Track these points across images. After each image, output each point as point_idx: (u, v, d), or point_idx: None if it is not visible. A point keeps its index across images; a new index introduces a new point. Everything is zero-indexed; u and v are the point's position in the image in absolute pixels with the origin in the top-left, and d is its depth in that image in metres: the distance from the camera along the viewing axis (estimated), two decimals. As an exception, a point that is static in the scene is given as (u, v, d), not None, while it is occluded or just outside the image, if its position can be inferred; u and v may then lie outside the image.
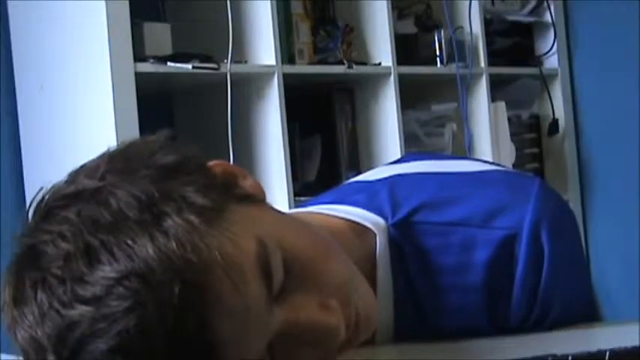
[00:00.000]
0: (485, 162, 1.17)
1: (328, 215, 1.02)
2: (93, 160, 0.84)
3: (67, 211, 0.79)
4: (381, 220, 1.01)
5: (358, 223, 1.01)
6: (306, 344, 0.84)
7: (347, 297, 0.87)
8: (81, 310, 0.75)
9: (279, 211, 0.91)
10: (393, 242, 1.01)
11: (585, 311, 1.06)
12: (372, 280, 0.98)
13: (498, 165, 1.17)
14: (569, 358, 0.81)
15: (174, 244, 0.76)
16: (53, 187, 0.82)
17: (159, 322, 0.74)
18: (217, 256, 0.77)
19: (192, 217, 0.78)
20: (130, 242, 0.76)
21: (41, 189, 0.82)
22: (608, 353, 0.81)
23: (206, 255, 0.77)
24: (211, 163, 0.88)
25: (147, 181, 0.80)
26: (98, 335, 0.74)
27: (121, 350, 0.74)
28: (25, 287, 0.78)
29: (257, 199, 0.88)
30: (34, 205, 0.82)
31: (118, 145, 0.86)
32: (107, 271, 0.75)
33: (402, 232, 1.01)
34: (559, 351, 0.83)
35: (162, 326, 0.74)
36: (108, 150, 0.85)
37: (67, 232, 0.77)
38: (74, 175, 0.83)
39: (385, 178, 1.08)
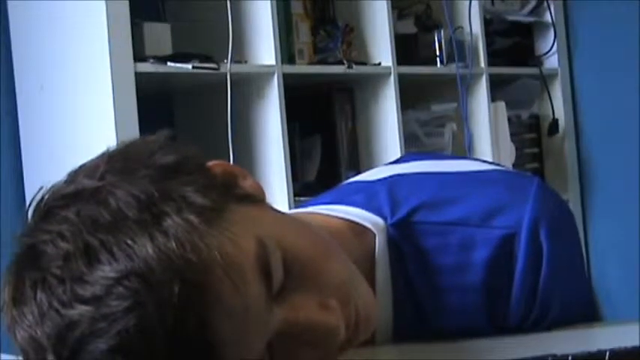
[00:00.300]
0: (485, 162, 1.17)
1: (327, 215, 1.02)
2: (92, 160, 0.84)
3: (66, 210, 0.79)
4: (380, 220, 1.01)
5: (357, 223, 1.01)
6: (305, 344, 0.84)
7: (347, 297, 0.87)
8: (80, 309, 0.75)
9: (279, 211, 0.91)
10: (392, 242, 1.01)
11: (584, 311, 1.06)
12: (371, 280, 0.98)
13: (498, 165, 1.17)
14: (569, 358, 0.81)
15: (173, 244, 0.76)
16: (53, 186, 0.82)
17: (159, 322, 0.74)
18: (217, 256, 0.77)
19: (192, 217, 0.78)
20: (129, 242, 0.76)
21: (41, 189, 0.82)
22: (608, 353, 0.81)
23: (206, 255, 0.77)
24: (211, 163, 0.88)
25: (146, 181, 0.80)
26: (98, 335, 0.74)
27: (120, 350, 0.74)
28: (24, 287, 0.78)
29: (257, 199, 0.88)
30: (34, 204, 0.82)
31: (117, 144, 0.86)
32: (107, 270, 0.75)
33: (401, 232, 1.01)
34: (559, 351, 0.83)
35: (162, 326, 0.74)
36: (107, 150, 0.85)
37: (67, 232, 0.77)
38: (74, 175, 0.83)
39: (384, 178, 1.08)
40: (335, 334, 0.85)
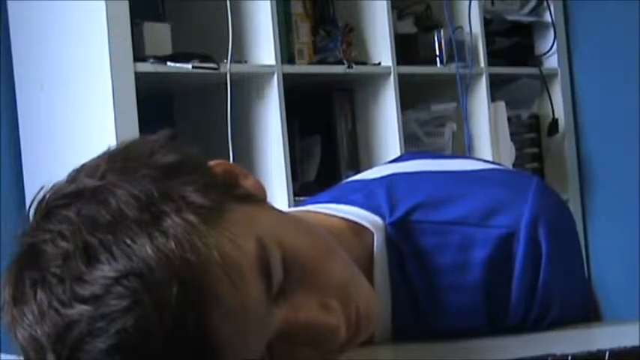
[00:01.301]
0: (484, 161, 1.17)
1: (326, 214, 1.02)
2: (93, 160, 0.84)
3: (67, 210, 0.79)
4: (378, 219, 1.01)
5: (356, 223, 1.01)
6: (306, 344, 0.84)
7: (347, 296, 0.87)
8: (80, 309, 0.75)
9: (280, 211, 0.91)
10: (390, 241, 1.01)
11: (584, 312, 1.06)
12: (369, 279, 0.98)
13: (497, 164, 1.17)
14: (569, 358, 0.81)
15: (173, 244, 0.76)
16: (54, 186, 0.82)
17: (157, 322, 0.74)
18: (216, 256, 0.77)
19: (192, 217, 0.78)
20: (128, 242, 0.76)
21: (42, 188, 0.82)
22: (608, 353, 0.81)
23: (205, 255, 0.77)
24: (212, 162, 0.88)
25: (147, 181, 0.80)
26: (97, 334, 0.74)
27: (119, 349, 0.74)
28: (24, 286, 0.78)
29: (257, 198, 0.88)
30: (35, 204, 0.82)
31: (118, 144, 0.86)
32: (106, 270, 0.75)
33: (400, 232, 1.01)
34: (559, 351, 0.83)
35: (160, 326, 0.74)
36: (108, 149, 0.85)
37: (67, 232, 0.77)
38: (75, 175, 0.83)
39: (383, 177, 1.08)
40: (335, 334, 0.85)
